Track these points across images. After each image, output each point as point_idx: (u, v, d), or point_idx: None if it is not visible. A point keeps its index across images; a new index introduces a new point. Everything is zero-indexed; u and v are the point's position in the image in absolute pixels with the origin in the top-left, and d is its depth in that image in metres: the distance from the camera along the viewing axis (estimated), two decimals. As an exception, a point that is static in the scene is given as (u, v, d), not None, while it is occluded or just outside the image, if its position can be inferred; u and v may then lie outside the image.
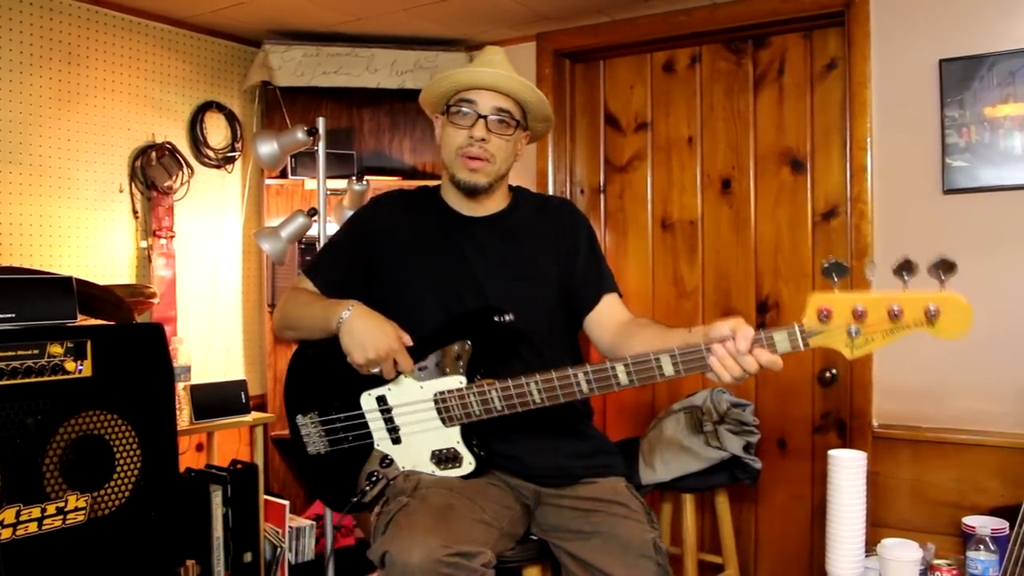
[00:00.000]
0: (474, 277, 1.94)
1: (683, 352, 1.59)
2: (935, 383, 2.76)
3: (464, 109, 1.93)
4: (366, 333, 1.80)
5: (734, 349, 1.54)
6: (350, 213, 2.28)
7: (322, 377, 1.98)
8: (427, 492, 1.75)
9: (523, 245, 2.00)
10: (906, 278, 1.44)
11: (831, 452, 2.46)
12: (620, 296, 2.04)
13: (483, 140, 1.91)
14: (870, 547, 2.47)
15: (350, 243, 2.09)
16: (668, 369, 1.61)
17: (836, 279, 1.48)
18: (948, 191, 2.72)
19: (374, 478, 1.89)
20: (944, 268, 1.42)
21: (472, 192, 1.96)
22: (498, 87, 1.92)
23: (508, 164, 1.98)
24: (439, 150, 2.02)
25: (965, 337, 1.43)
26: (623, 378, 1.65)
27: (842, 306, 1.49)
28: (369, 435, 1.92)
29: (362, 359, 1.80)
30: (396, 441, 1.90)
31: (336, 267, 2.07)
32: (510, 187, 2.10)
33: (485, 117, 1.91)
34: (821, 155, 3.09)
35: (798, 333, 1.52)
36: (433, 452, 1.85)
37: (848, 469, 2.41)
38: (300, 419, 1.99)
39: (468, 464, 1.84)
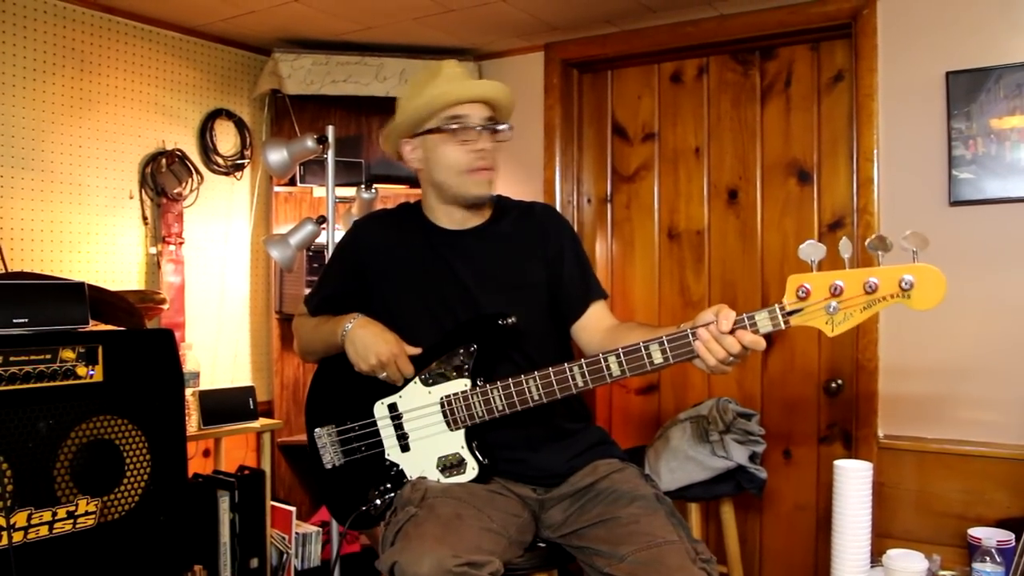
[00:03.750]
0: (465, 290, 1.96)
1: (671, 338, 1.64)
2: (941, 394, 2.77)
3: (473, 124, 1.92)
4: (367, 342, 1.89)
5: (716, 331, 1.58)
6: (361, 216, 2.31)
7: (338, 391, 2.02)
8: (434, 502, 1.76)
9: (511, 255, 2.01)
10: (880, 255, 1.50)
11: (837, 462, 2.47)
12: (607, 299, 2.06)
13: (489, 151, 1.93)
14: (875, 558, 2.47)
15: (341, 264, 2.15)
16: (657, 357, 1.65)
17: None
18: (954, 203, 2.73)
19: (382, 489, 1.92)
20: (917, 242, 1.47)
21: (477, 204, 1.99)
22: (487, 97, 1.93)
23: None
24: (420, 172, 2.01)
25: (939, 306, 1.47)
26: (615, 369, 1.69)
27: (820, 283, 1.53)
28: (380, 443, 1.95)
29: (366, 367, 1.89)
30: (405, 448, 1.92)
31: (330, 285, 2.14)
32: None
33: (487, 128, 1.93)
34: (828, 166, 3.10)
35: (778, 312, 1.56)
36: (439, 459, 1.88)
37: (854, 479, 2.41)
38: (318, 431, 2.03)
39: (472, 470, 1.86)
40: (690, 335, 1.62)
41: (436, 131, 1.93)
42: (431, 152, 1.96)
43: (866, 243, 1.52)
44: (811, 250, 1.55)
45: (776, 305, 1.57)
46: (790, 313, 1.56)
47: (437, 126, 1.93)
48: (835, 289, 1.52)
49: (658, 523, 1.72)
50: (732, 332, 1.57)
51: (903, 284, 1.49)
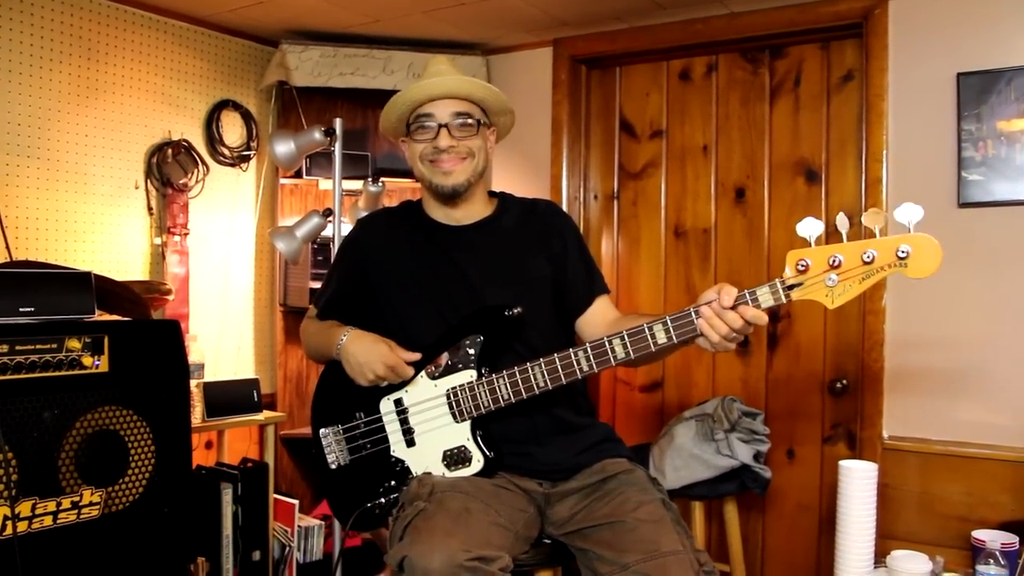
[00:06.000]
0: (469, 285, 1.96)
1: (674, 318, 1.66)
2: (946, 395, 2.76)
3: (425, 123, 1.95)
4: (360, 359, 1.91)
5: (719, 307, 1.60)
6: (364, 215, 2.31)
7: (344, 390, 2.01)
8: (443, 496, 1.76)
9: (514, 250, 2.01)
10: (876, 228, 1.53)
11: (842, 463, 2.47)
12: (610, 294, 2.07)
13: (452, 146, 1.93)
14: (879, 559, 2.47)
15: (344, 265, 2.15)
16: (661, 336, 1.67)
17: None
18: (963, 204, 2.72)
19: (387, 487, 1.92)
20: (911, 214, 1.50)
21: (453, 196, 1.97)
22: (452, 93, 1.94)
23: (484, 161, 2.00)
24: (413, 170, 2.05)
25: (935, 274, 1.51)
26: (619, 351, 1.70)
27: (819, 256, 1.57)
28: (386, 440, 1.95)
29: (365, 382, 1.92)
30: (410, 444, 1.92)
31: (334, 286, 2.15)
32: (494, 193, 2.12)
33: (446, 125, 1.93)
34: (836, 166, 3.09)
35: (779, 286, 1.59)
36: (445, 452, 1.88)
37: (858, 480, 2.41)
38: (323, 431, 2.03)
39: (477, 462, 1.86)
40: (692, 313, 1.64)
41: (407, 130, 2.01)
42: (408, 150, 2.03)
43: (862, 218, 1.55)
44: (809, 226, 1.58)
45: (777, 280, 1.60)
46: (791, 287, 1.59)
47: (408, 125, 2.00)
48: (834, 261, 1.56)
49: (664, 531, 1.71)
50: (734, 308, 1.60)
51: (899, 253, 1.52)
